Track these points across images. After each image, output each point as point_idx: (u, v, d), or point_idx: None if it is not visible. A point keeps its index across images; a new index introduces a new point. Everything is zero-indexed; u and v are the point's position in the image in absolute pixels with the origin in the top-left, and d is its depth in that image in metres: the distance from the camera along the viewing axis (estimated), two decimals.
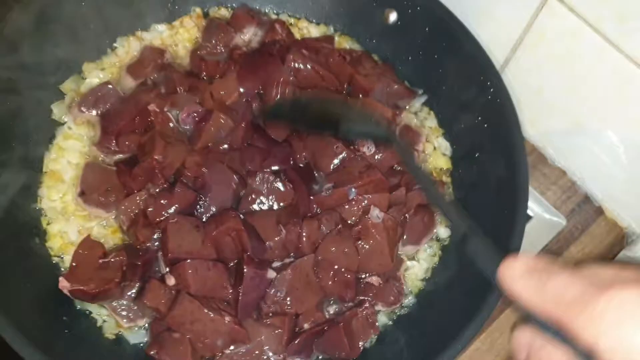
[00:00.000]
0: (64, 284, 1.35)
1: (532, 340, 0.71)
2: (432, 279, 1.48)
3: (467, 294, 1.31)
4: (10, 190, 1.43)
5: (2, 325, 1.17)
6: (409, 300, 1.46)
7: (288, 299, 1.35)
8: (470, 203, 1.52)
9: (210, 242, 1.39)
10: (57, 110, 1.58)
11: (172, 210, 1.42)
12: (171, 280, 1.38)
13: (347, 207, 1.43)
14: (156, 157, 1.47)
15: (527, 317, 0.71)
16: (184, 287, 1.36)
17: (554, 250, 1.60)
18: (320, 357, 1.39)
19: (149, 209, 1.42)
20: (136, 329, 1.41)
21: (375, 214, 1.39)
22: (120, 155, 1.55)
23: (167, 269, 1.40)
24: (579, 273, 0.67)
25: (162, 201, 1.43)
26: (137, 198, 1.46)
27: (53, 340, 1.27)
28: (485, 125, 1.53)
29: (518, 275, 0.71)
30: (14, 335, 1.17)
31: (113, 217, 1.50)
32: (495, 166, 1.48)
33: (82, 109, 1.56)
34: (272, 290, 1.35)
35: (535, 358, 0.71)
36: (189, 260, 1.36)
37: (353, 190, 1.43)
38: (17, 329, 1.17)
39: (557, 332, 0.66)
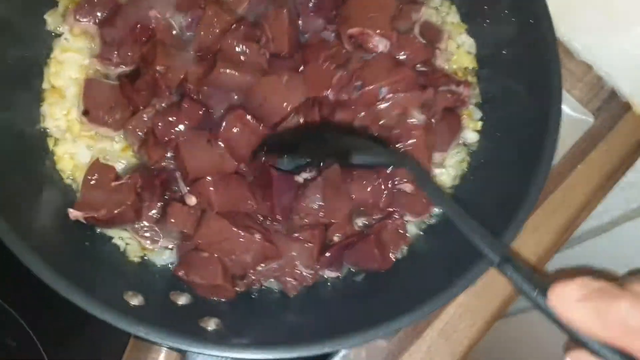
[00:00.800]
0: (75, 214, 1.29)
1: None
2: (461, 186, 1.44)
3: (498, 204, 1.28)
4: (10, 111, 1.33)
5: (23, 251, 1.13)
6: (438, 209, 1.42)
7: (321, 209, 1.31)
8: (499, 104, 1.45)
9: (223, 141, 1.32)
10: (52, 20, 1.44)
11: (181, 127, 1.34)
12: (192, 200, 1.33)
13: (380, 107, 1.34)
14: (157, 68, 1.36)
15: (582, 341, 0.70)
16: (208, 206, 1.31)
17: (582, 149, 1.56)
18: (351, 270, 1.38)
19: (157, 128, 1.34)
20: (162, 250, 1.37)
21: (417, 114, 1.32)
22: (123, 67, 1.43)
23: (187, 189, 1.34)
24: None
25: (169, 118, 1.34)
26: (144, 116, 1.37)
27: (76, 266, 1.22)
28: (513, 19, 1.42)
29: (574, 301, 0.69)
30: (36, 261, 1.13)
31: (122, 135, 1.41)
32: (525, 64, 1.40)
33: (79, 17, 1.42)
34: (305, 201, 1.30)
35: None
36: (208, 178, 1.30)
37: (383, 89, 1.34)
38: (38, 255, 1.13)
39: (616, 356, 0.67)
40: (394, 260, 1.34)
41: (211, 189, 1.30)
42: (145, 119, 1.37)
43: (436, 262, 1.33)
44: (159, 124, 1.33)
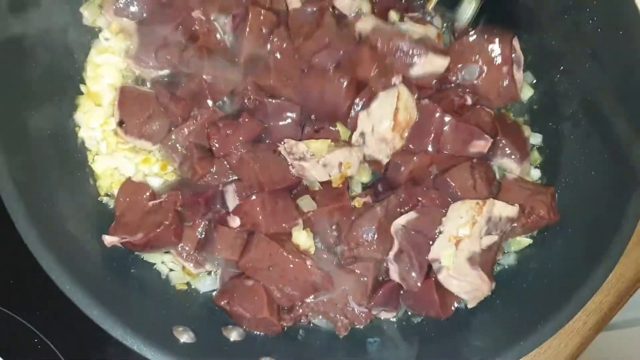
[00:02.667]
0: (109, 240, 1.19)
1: None
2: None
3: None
4: (47, 118, 1.22)
5: (69, 285, 1.07)
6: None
7: (375, 240, 1.21)
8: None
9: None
10: (88, 13, 1.31)
11: (238, 143, 1.24)
12: (236, 222, 1.23)
13: None
14: (205, 78, 1.25)
15: None
16: (254, 227, 1.21)
17: None
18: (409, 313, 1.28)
19: (214, 144, 1.24)
20: (204, 275, 1.29)
21: None
22: (159, 71, 1.31)
23: (231, 212, 1.25)
24: None
25: (227, 131, 1.23)
26: (185, 130, 1.27)
27: (122, 298, 1.16)
28: None
29: None
30: (82, 296, 1.07)
31: (158, 149, 1.31)
32: None
33: (117, 11, 1.29)
34: (359, 231, 1.21)
35: None
36: (253, 197, 1.22)
37: None
38: (86, 290, 1.08)
39: None
40: (454, 309, 1.24)
41: (258, 208, 1.21)
42: (187, 133, 1.27)
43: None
44: (215, 139, 1.24)
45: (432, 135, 1.25)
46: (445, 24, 1.38)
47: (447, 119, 1.24)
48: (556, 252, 1.23)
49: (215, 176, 1.28)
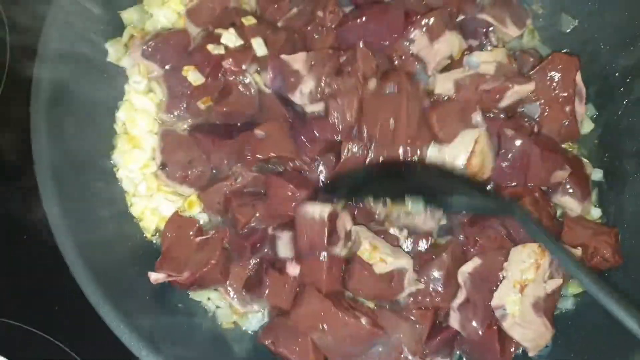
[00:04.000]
0: (155, 277, 1.17)
1: None
2: None
3: None
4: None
5: (119, 328, 1.08)
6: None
7: (442, 288, 1.17)
8: None
9: None
10: (113, 51, 1.26)
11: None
12: (295, 270, 1.19)
13: None
14: (256, 132, 1.19)
15: None
16: (314, 282, 1.17)
17: None
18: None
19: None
20: (255, 313, 1.26)
21: None
22: (194, 119, 1.25)
23: (292, 258, 1.20)
24: None
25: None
26: (224, 188, 1.22)
27: (167, 335, 1.15)
28: None
29: None
30: (129, 336, 1.08)
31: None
32: None
33: (145, 53, 1.22)
34: (427, 281, 1.17)
35: None
36: (322, 257, 1.16)
37: None
38: (132, 327, 1.08)
39: None
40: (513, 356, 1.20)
41: (324, 269, 1.16)
42: (225, 190, 1.21)
43: None
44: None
45: (519, 166, 1.19)
46: None
47: (534, 149, 1.18)
48: None
49: (262, 220, 1.22)
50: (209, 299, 1.27)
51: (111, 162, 1.26)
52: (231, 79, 1.20)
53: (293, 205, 1.16)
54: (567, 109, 1.21)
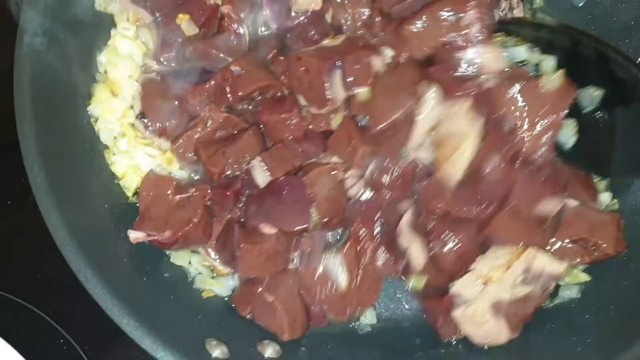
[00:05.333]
0: (134, 235, 1.10)
1: None
2: None
3: None
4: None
5: (99, 290, 1.02)
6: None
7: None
8: None
9: None
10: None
11: None
12: (271, 230, 1.11)
13: None
14: (232, 68, 1.13)
15: None
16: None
17: None
18: None
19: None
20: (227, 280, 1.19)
21: None
22: (180, 67, 1.20)
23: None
24: None
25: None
26: (195, 136, 1.16)
27: (151, 304, 1.08)
28: None
29: None
30: (112, 304, 1.01)
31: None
32: None
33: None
34: None
35: None
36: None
37: None
38: (115, 295, 1.02)
39: None
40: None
41: None
42: (197, 135, 1.15)
43: None
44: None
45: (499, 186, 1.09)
46: None
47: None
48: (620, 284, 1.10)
49: (235, 165, 1.15)
50: (190, 263, 1.20)
51: (89, 113, 1.20)
52: (225, 24, 1.16)
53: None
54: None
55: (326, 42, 1.14)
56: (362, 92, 1.11)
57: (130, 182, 1.20)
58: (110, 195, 1.19)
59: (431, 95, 1.06)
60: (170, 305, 1.12)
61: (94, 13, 1.21)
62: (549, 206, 1.08)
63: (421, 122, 1.08)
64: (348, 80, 1.10)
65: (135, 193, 1.20)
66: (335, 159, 1.13)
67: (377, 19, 1.13)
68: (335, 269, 1.13)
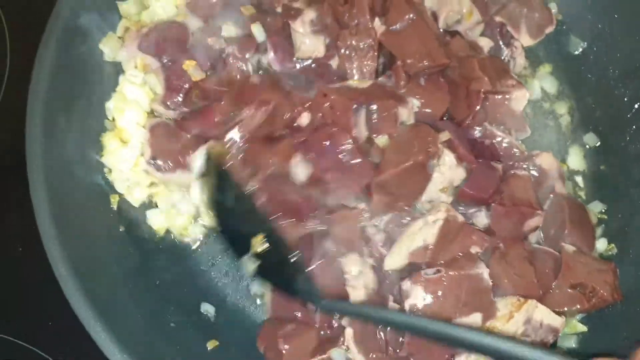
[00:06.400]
0: None
1: None
2: None
3: None
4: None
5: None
6: None
7: None
8: None
9: None
10: (109, 49, 1.21)
11: None
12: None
13: None
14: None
15: None
16: None
17: None
18: None
19: None
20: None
21: None
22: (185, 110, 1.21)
23: None
24: None
25: None
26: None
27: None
28: None
29: None
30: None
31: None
32: None
33: (141, 47, 1.19)
34: None
35: None
36: None
37: None
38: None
39: None
40: None
41: None
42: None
43: None
44: None
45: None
46: None
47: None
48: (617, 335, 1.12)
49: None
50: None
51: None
52: (231, 62, 1.18)
53: None
54: None
55: (351, 82, 1.16)
56: (383, 138, 1.14)
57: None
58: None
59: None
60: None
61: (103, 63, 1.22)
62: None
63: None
64: (374, 123, 1.13)
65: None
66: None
67: (402, 82, 1.16)
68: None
